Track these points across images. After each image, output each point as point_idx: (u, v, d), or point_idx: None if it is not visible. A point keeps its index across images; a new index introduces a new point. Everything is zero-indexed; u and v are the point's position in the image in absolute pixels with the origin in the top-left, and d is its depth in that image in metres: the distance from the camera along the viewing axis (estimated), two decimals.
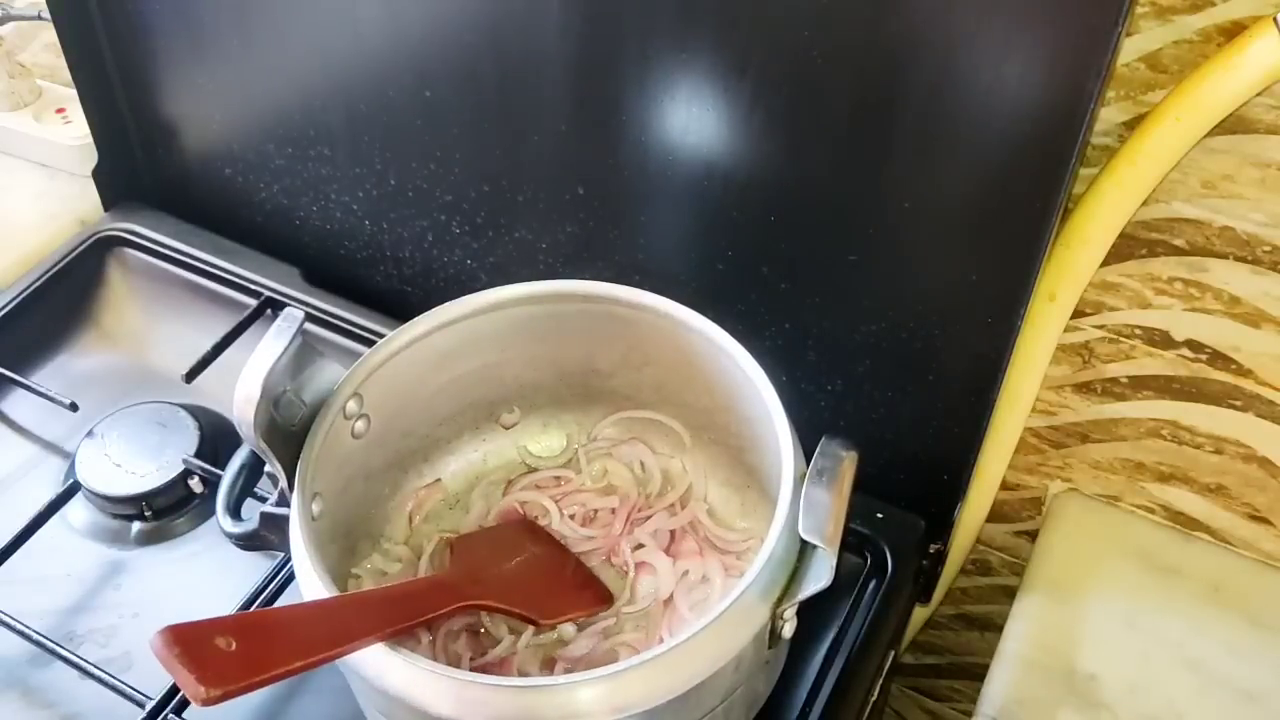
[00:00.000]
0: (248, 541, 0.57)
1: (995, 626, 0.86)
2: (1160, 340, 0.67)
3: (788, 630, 0.51)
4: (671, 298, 0.60)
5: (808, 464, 0.53)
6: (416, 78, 0.69)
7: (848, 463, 0.52)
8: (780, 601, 0.50)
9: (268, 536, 0.56)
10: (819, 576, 0.50)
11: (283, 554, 0.64)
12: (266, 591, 0.65)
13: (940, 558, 0.73)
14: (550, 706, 0.46)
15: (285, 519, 0.53)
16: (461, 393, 0.66)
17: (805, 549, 0.51)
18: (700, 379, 0.62)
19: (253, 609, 0.64)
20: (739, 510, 0.66)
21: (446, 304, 0.61)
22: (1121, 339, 0.68)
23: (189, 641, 0.42)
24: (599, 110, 0.64)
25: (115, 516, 0.72)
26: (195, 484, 0.72)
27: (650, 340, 0.62)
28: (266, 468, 0.56)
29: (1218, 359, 0.66)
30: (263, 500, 0.57)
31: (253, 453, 0.58)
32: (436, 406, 0.66)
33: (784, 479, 0.53)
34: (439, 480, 0.68)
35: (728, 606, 0.48)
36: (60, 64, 0.88)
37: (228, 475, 0.58)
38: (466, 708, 0.46)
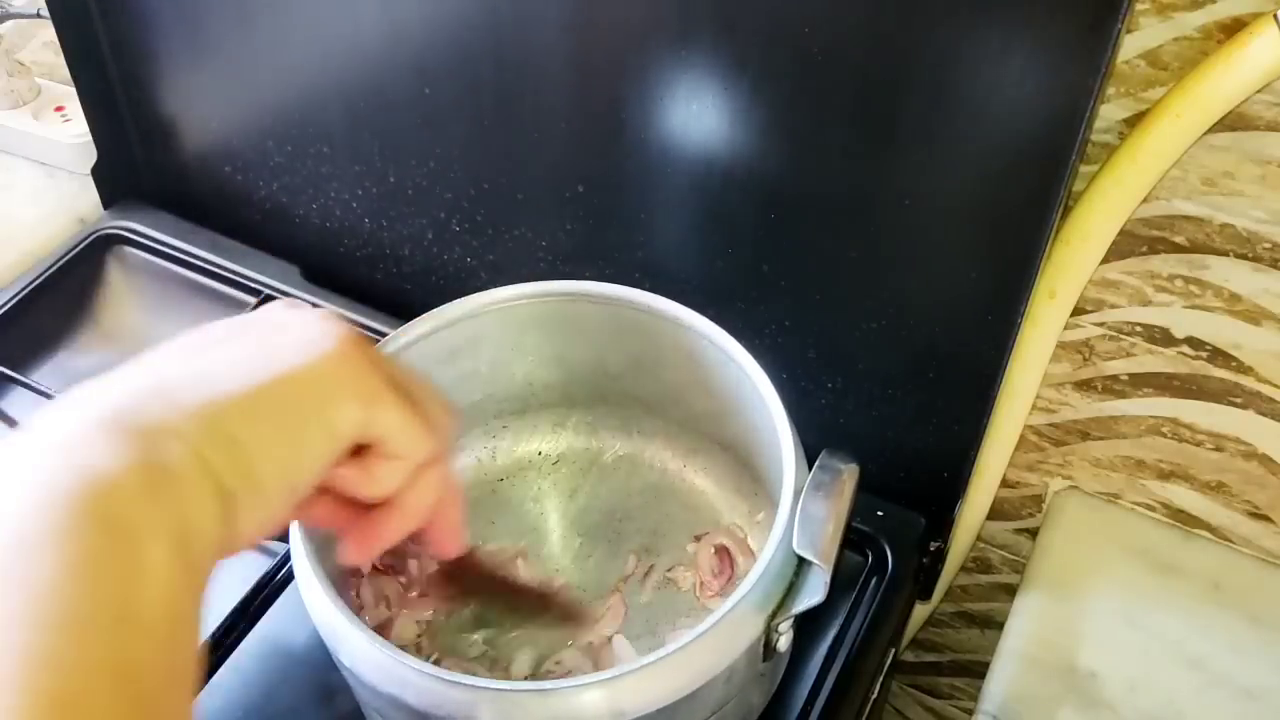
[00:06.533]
0: None
1: (996, 624, 0.86)
2: (1160, 338, 0.66)
3: (783, 644, 0.50)
4: (670, 296, 0.60)
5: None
6: (416, 75, 0.69)
7: (847, 476, 0.51)
8: (775, 614, 0.49)
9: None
10: (814, 592, 0.49)
11: (282, 552, 0.64)
12: (267, 589, 0.65)
13: (940, 555, 0.72)
14: (541, 709, 0.46)
15: None
16: (471, 389, 0.66)
17: (803, 562, 0.50)
18: (710, 386, 0.62)
19: None
20: (745, 517, 0.66)
21: (458, 300, 0.61)
22: (1122, 336, 0.68)
23: None
24: (599, 108, 0.64)
25: None
26: None
27: (661, 344, 0.62)
28: None
29: (1218, 356, 0.66)
30: None
31: None
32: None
33: (784, 491, 0.52)
34: None
35: (721, 617, 0.47)
36: (59, 62, 0.87)
37: None
38: (457, 708, 0.46)
